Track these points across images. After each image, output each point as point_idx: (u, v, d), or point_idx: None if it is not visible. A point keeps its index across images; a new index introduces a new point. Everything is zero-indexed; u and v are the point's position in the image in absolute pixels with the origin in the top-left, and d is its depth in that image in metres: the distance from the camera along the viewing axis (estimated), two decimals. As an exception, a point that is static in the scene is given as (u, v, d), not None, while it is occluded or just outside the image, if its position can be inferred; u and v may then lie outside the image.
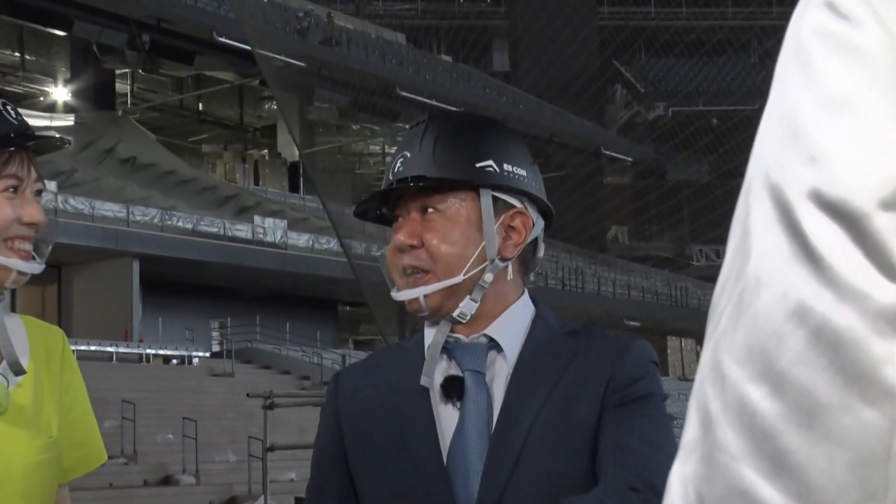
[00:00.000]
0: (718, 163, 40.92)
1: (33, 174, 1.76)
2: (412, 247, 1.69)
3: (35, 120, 34.54)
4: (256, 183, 41.67)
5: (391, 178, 1.73)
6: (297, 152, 36.99)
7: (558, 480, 1.66)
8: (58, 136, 1.89)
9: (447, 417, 1.69)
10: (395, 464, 1.68)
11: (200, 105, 44.99)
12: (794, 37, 0.59)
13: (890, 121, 0.55)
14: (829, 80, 0.56)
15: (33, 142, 1.78)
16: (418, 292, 1.68)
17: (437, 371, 1.70)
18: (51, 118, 36.18)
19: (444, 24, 45.21)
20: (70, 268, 27.80)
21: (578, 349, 1.70)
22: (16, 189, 1.73)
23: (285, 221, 32.28)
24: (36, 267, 1.76)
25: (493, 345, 1.71)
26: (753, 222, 0.58)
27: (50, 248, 1.83)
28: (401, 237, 1.70)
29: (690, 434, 0.60)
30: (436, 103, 36.47)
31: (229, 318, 29.43)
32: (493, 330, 1.71)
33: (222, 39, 32.98)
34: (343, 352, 28.97)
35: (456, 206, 1.69)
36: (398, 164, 1.74)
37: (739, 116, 36.81)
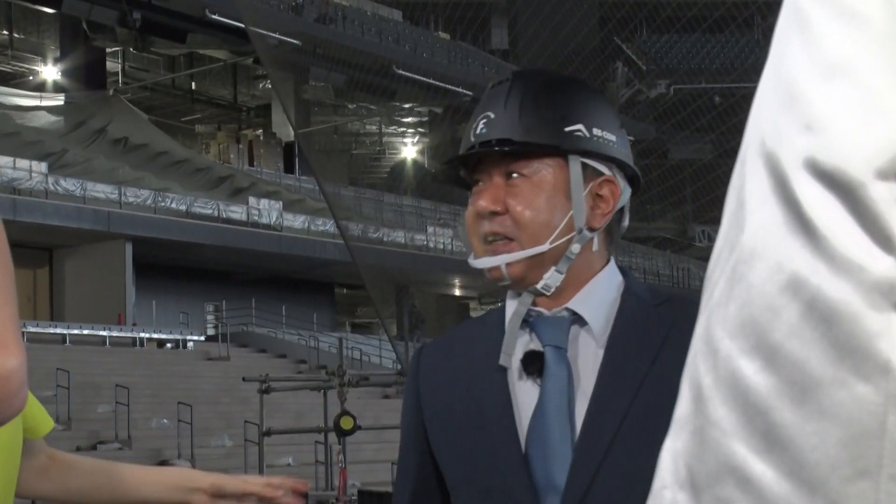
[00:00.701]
0: (721, 141, 40.88)
1: None
2: (495, 213, 1.61)
3: (24, 99, 34.49)
4: (251, 164, 41.63)
5: (472, 139, 1.65)
6: (292, 132, 36.97)
7: (651, 470, 1.62)
8: None
9: (525, 395, 1.63)
10: (472, 444, 1.64)
11: (193, 84, 44.91)
12: (792, 1, 0.59)
13: (888, 88, 0.53)
14: (828, 45, 0.55)
15: None
16: (500, 260, 1.60)
17: (518, 346, 1.64)
18: (40, 97, 36.10)
19: (441, 1, 45.07)
20: (61, 250, 27.81)
21: (674, 322, 1.62)
22: None
23: (281, 203, 32.27)
24: None
25: (577, 319, 1.64)
26: (748, 192, 0.58)
27: None
28: (483, 203, 1.61)
29: (682, 409, 0.60)
30: (433, 81, 36.42)
31: (224, 302, 29.46)
32: (577, 303, 1.64)
33: (215, 17, 32.89)
34: (340, 335, 29.00)
35: (542, 171, 1.62)
36: (480, 126, 1.66)
37: (742, 94, 36.78)
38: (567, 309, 1.63)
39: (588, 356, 1.63)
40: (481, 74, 40.71)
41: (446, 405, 1.69)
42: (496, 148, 1.61)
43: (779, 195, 0.56)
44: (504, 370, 1.63)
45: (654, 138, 46.12)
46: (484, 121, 1.66)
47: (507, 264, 1.60)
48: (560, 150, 1.62)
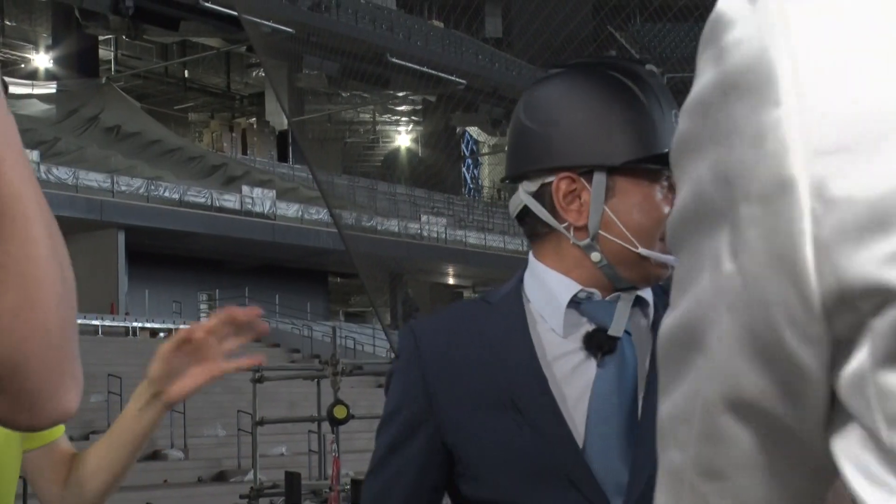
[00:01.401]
0: (715, 130, 40.90)
1: None
2: None
3: (16, 87, 34.40)
4: (244, 152, 41.60)
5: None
6: (285, 121, 36.93)
7: None
8: None
9: (574, 376, 1.60)
10: (512, 425, 1.59)
11: (186, 72, 44.82)
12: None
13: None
14: (731, 59, 0.57)
15: None
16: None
17: (574, 328, 1.61)
18: (32, 86, 36.04)
19: (435, -12, 45.03)
20: (54, 239, 27.76)
21: None
22: None
23: (274, 191, 32.26)
24: None
25: (638, 303, 1.64)
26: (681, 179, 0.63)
27: None
28: None
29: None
30: (428, 70, 36.39)
31: (217, 291, 29.47)
32: (642, 290, 1.65)
33: (208, 4, 32.83)
34: (334, 324, 28.97)
35: None
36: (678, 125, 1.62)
37: (737, 83, 36.79)
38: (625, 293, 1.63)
39: (644, 340, 1.62)
40: (475, 63, 40.71)
41: (468, 388, 1.63)
42: None
43: (690, 188, 0.61)
44: (533, 351, 1.61)
45: (648, 127, 46.21)
46: (678, 120, 1.64)
47: None
48: None
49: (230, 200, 30.38)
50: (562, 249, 1.64)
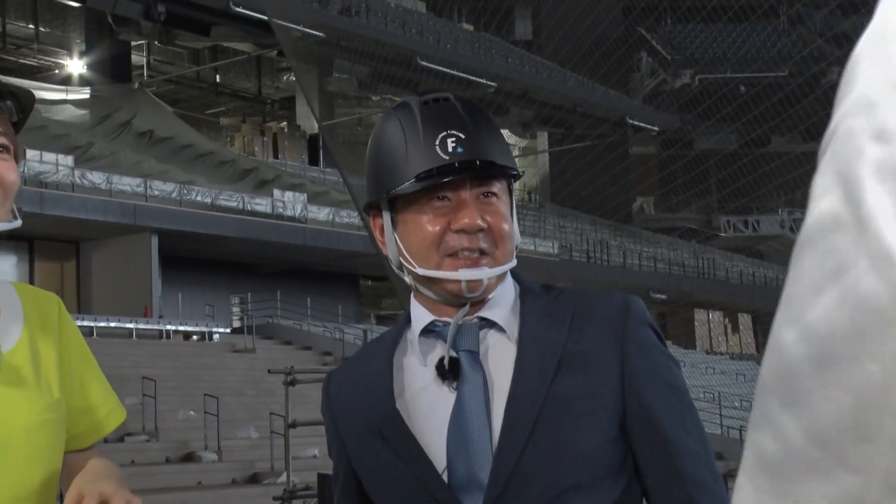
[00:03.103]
0: (745, 130, 40.70)
1: None
2: (481, 229, 1.68)
3: (50, 93, 34.67)
4: (275, 156, 41.74)
5: (446, 157, 1.68)
6: (316, 124, 37.01)
7: (571, 452, 1.67)
8: (24, 87, 1.84)
9: (438, 400, 1.71)
10: (382, 457, 1.73)
11: (217, 77, 45.04)
12: (880, 13, 0.61)
13: None
14: None
15: None
16: (487, 273, 1.68)
17: (430, 355, 1.73)
18: (66, 91, 36.29)
19: (464, -8, 45.02)
20: (88, 243, 27.97)
21: (574, 309, 1.72)
22: None
23: (305, 195, 32.33)
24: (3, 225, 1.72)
25: (486, 323, 1.73)
26: (816, 184, 0.61)
27: (12, 209, 1.75)
28: (469, 220, 1.67)
29: None
30: (457, 73, 36.38)
31: (249, 294, 29.56)
32: (486, 310, 1.73)
33: (239, 9, 32.96)
34: (365, 327, 29.07)
35: (502, 190, 1.72)
36: (451, 144, 1.70)
37: (767, 82, 36.57)
38: (477, 316, 1.72)
39: (504, 356, 1.71)
40: (505, 66, 40.70)
41: (355, 427, 1.78)
42: (480, 169, 1.68)
43: (843, 191, 0.59)
44: (389, 383, 1.74)
45: (678, 128, 45.98)
46: (454, 140, 1.71)
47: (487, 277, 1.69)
48: (513, 170, 1.74)
49: (261, 204, 30.47)
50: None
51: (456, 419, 1.67)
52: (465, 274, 1.67)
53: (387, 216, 1.73)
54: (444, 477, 1.66)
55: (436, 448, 1.68)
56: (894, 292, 0.57)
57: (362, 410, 1.76)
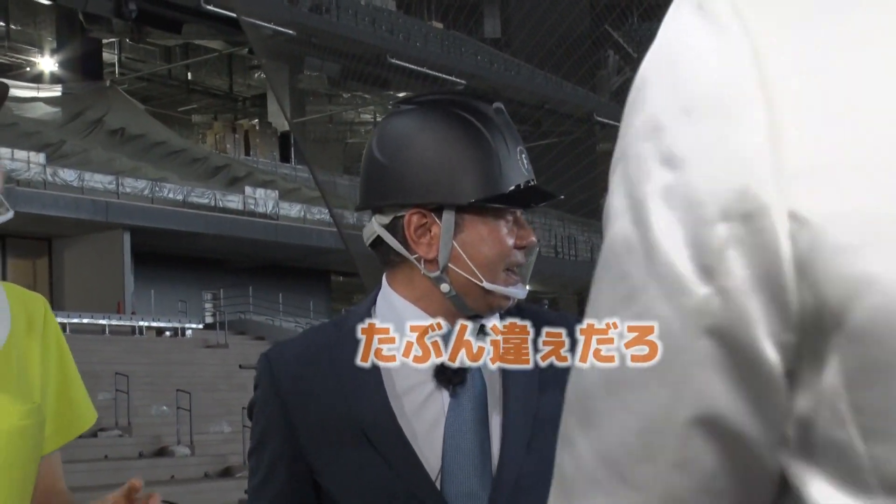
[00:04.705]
0: (711, 127, 40.84)
1: None
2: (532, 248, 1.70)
3: (22, 91, 34.40)
4: (247, 153, 41.59)
5: (525, 173, 1.68)
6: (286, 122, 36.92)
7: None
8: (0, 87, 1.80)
9: (424, 407, 1.65)
10: (362, 458, 1.63)
11: (189, 74, 44.82)
12: (664, 34, 0.61)
13: (744, 132, 0.56)
14: (692, 84, 0.58)
15: None
16: (525, 291, 1.69)
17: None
18: (38, 89, 36.03)
19: (433, -10, 45.01)
20: (60, 240, 27.79)
21: (538, 326, 1.66)
22: None
23: (277, 192, 32.28)
24: None
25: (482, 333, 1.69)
26: (610, 205, 0.63)
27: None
28: (533, 238, 1.69)
29: None
30: (427, 71, 36.34)
31: (222, 290, 29.49)
32: (486, 321, 1.70)
33: (210, 7, 32.79)
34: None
35: None
36: (525, 160, 1.70)
37: (732, 80, 36.69)
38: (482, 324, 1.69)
39: (495, 367, 1.66)
40: (474, 63, 40.70)
41: (321, 417, 1.67)
42: (543, 192, 1.73)
43: (633, 215, 0.60)
44: (380, 382, 1.64)
45: (644, 125, 46.15)
46: (525, 156, 1.71)
47: None
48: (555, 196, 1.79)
49: (233, 201, 30.40)
50: (413, 279, 1.69)
51: (453, 425, 1.63)
52: (519, 291, 1.67)
53: (449, 220, 1.64)
54: (437, 485, 1.61)
55: (427, 454, 1.62)
56: (683, 318, 0.58)
57: (338, 404, 1.65)
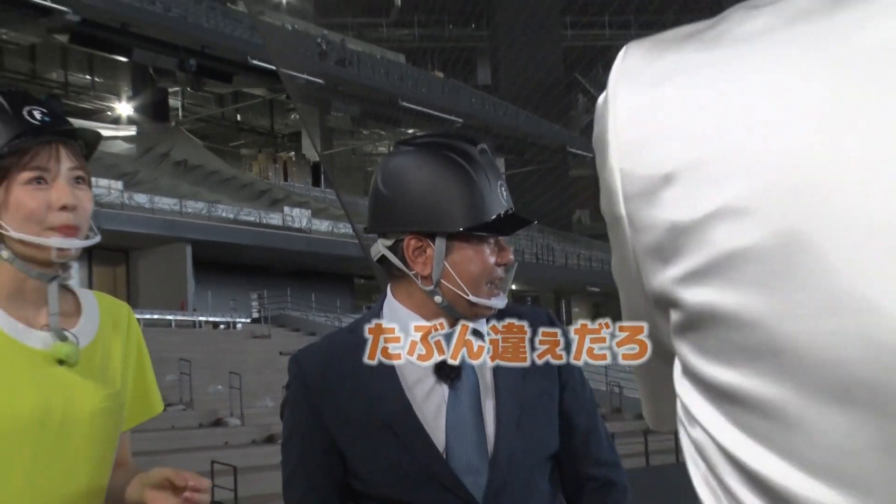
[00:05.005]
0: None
1: (66, 164, 1.63)
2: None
3: (104, 131, 34.21)
4: (285, 179, 41.54)
5: (504, 203, 1.66)
6: (317, 154, 36.92)
7: (545, 440, 1.68)
8: (92, 129, 1.79)
9: (428, 397, 1.64)
10: (384, 442, 1.62)
11: (238, 116, 44.81)
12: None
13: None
14: (596, 133, 0.65)
15: (56, 136, 1.64)
16: (505, 301, 1.69)
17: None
18: (116, 129, 36.05)
19: (437, 46, 44.99)
20: (135, 252, 27.77)
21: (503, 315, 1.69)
22: (43, 179, 1.60)
23: (309, 211, 32.23)
24: (76, 242, 1.64)
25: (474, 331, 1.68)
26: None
27: (90, 226, 1.70)
28: (511, 257, 1.68)
29: None
30: (431, 111, 36.35)
31: (265, 291, 29.41)
32: (478, 324, 1.69)
33: (255, 62, 32.83)
34: (358, 316, 28.85)
35: None
36: (504, 193, 1.68)
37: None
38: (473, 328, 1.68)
39: (485, 360, 1.65)
40: (470, 105, 40.68)
41: (347, 411, 1.65)
42: (518, 219, 1.70)
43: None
44: (396, 378, 1.64)
45: (608, 154, 46.05)
46: (505, 189, 1.69)
47: None
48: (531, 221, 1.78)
49: (274, 219, 30.36)
50: (412, 291, 1.68)
51: (453, 412, 1.62)
52: (499, 302, 1.67)
53: (441, 244, 1.63)
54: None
55: (435, 436, 1.62)
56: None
57: (364, 403, 1.63)
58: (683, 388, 0.60)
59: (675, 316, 0.58)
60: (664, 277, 0.58)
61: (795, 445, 0.52)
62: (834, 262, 0.50)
